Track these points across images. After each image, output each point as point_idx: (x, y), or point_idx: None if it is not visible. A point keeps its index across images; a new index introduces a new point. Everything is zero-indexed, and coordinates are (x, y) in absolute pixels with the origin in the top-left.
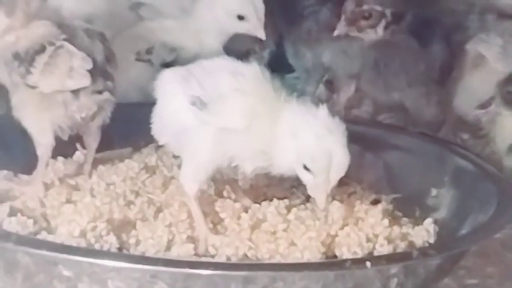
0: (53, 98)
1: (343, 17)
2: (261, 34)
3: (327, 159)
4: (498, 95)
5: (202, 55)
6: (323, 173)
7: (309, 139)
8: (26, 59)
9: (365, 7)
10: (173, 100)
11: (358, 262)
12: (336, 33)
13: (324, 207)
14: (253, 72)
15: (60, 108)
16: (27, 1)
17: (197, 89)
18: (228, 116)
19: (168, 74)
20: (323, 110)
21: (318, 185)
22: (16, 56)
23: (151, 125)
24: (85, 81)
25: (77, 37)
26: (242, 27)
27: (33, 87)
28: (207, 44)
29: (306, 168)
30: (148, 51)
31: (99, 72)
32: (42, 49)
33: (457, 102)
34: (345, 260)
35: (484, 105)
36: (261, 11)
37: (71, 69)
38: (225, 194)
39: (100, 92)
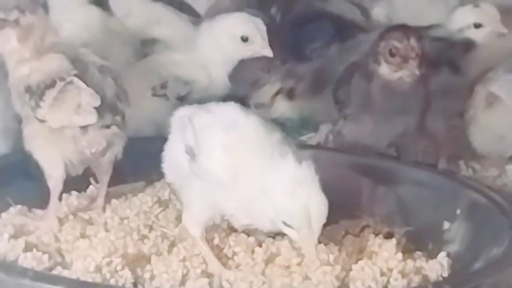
0: (62, 133)
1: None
2: (268, 52)
3: (305, 212)
4: None
5: (212, 87)
6: (305, 227)
7: (280, 197)
8: (36, 92)
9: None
10: (179, 142)
11: None
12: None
13: (315, 257)
14: (250, 126)
15: (70, 143)
16: (42, 34)
17: (191, 139)
18: (212, 170)
19: (181, 112)
20: (288, 161)
21: (304, 238)
22: (28, 89)
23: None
24: (91, 118)
25: (88, 72)
26: (248, 50)
27: (42, 121)
28: (215, 77)
29: (286, 224)
30: (163, 85)
31: (108, 107)
32: (52, 84)
33: (473, 139)
34: None
35: None
36: (263, 30)
37: (79, 106)
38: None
39: (108, 127)
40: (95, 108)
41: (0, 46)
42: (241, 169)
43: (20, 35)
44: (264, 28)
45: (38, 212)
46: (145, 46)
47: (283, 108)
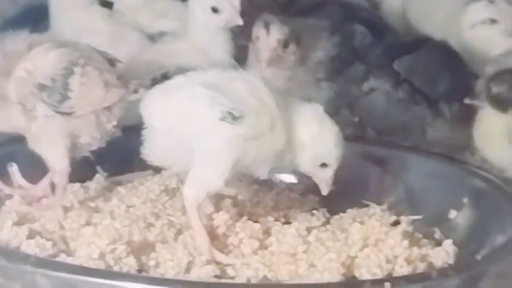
0: (80, 120)
1: None
2: (239, 21)
3: (338, 146)
4: (484, 91)
5: None
6: (337, 161)
7: (320, 140)
8: (56, 86)
9: None
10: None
11: (378, 283)
12: None
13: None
14: (261, 81)
15: (87, 127)
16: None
17: (227, 103)
18: (258, 125)
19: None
20: (302, 106)
21: (330, 174)
22: (42, 88)
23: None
24: (121, 90)
25: (85, 50)
26: (220, 20)
27: (68, 114)
28: (215, 58)
29: (323, 165)
30: (164, 76)
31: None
32: (69, 72)
33: None
34: (364, 281)
35: (472, 97)
36: (235, 0)
37: (107, 84)
38: (245, 215)
39: (136, 91)
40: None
41: None
42: (275, 115)
43: None
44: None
45: (44, 201)
46: (154, 40)
47: None
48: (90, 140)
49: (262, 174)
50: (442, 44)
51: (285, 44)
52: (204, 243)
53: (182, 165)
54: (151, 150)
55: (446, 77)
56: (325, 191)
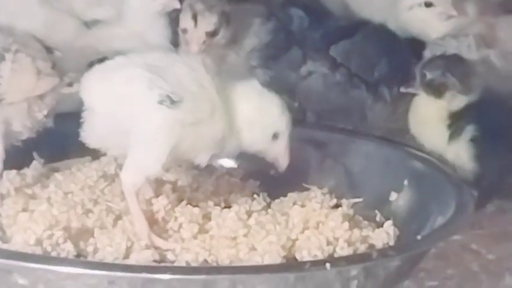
0: (12, 107)
1: None
2: (176, 5)
3: (284, 112)
4: (418, 77)
5: None
6: (287, 128)
7: (265, 110)
8: None
9: None
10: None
11: (318, 264)
12: None
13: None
14: (202, 66)
15: (19, 114)
16: None
17: (166, 86)
18: (197, 110)
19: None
20: (241, 85)
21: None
22: None
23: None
24: (54, 80)
25: (20, 37)
26: (157, 4)
27: None
28: (152, 42)
29: (274, 136)
30: (101, 61)
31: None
32: (1, 58)
33: None
34: (305, 262)
35: (408, 85)
36: None
37: (39, 72)
38: (184, 200)
39: (70, 85)
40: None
41: None
42: (216, 101)
43: None
44: None
45: None
46: (88, 27)
47: None
48: (21, 128)
49: (203, 161)
50: (380, 28)
51: (214, 34)
52: (142, 228)
53: (121, 148)
54: (89, 133)
55: (384, 61)
56: (283, 166)
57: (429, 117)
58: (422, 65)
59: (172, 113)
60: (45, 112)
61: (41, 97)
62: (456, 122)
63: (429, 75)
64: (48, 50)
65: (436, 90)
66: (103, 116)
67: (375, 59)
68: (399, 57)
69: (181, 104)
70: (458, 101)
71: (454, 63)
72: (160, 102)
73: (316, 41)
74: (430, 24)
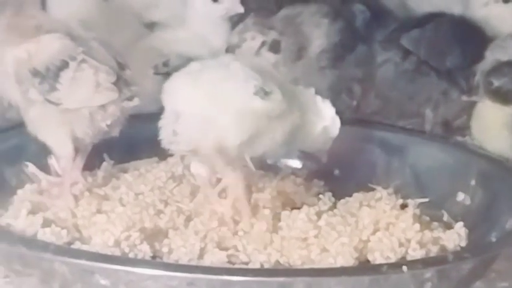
0: (75, 113)
1: None
2: (240, 9)
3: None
4: (482, 84)
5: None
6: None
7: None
8: (48, 75)
9: None
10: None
11: (395, 266)
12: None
13: None
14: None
15: (83, 121)
16: (30, 15)
17: (260, 79)
18: (282, 102)
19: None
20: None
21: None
22: (35, 73)
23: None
24: (112, 95)
25: (93, 48)
26: (221, 9)
27: (56, 104)
28: (217, 47)
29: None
30: (165, 64)
31: (123, 80)
32: (64, 64)
33: None
34: (381, 265)
35: (471, 93)
36: None
37: (98, 85)
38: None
39: (130, 99)
40: (113, 83)
41: None
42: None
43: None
44: None
45: (53, 191)
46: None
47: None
48: (83, 135)
49: (275, 157)
50: (458, 18)
51: (276, 50)
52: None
53: (208, 147)
54: (176, 137)
55: (457, 49)
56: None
57: (494, 124)
58: (487, 73)
59: (265, 103)
60: (108, 122)
61: (103, 107)
62: None
63: (496, 83)
64: (120, 65)
65: (504, 97)
66: (192, 118)
67: (447, 48)
68: (477, 46)
69: (271, 96)
70: None
71: None
72: (256, 93)
73: (391, 32)
74: (507, 21)
